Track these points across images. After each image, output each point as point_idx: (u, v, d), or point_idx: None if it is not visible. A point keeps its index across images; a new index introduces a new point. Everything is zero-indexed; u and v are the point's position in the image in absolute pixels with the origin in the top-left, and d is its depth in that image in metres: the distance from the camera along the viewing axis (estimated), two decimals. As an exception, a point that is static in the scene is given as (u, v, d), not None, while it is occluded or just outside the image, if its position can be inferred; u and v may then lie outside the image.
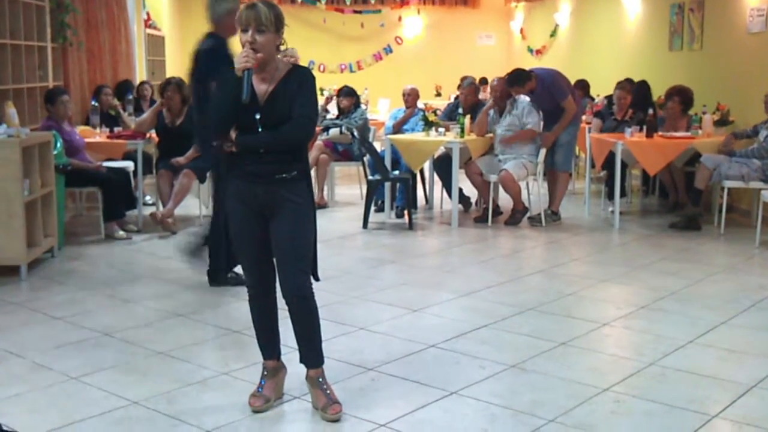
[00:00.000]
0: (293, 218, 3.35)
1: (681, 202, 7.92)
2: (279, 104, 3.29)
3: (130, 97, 8.66)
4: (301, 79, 3.32)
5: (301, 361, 3.53)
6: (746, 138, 7.32)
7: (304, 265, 3.39)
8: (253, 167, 3.32)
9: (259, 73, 3.30)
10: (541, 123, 7.62)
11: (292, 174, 3.34)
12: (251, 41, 3.21)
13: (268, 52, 3.25)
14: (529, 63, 12.09)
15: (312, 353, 3.50)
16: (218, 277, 5.41)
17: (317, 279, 3.52)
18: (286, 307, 3.42)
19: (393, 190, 7.90)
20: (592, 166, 8.46)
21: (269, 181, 3.32)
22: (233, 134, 3.32)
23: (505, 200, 7.97)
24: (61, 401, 3.58)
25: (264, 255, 3.43)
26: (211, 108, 3.37)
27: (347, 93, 8.96)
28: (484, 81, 11.40)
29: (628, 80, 9.04)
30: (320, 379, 3.48)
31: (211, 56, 4.81)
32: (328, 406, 3.40)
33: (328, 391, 3.46)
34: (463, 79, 8.85)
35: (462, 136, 7.62)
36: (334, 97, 9.36)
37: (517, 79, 7.57)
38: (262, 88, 3.31)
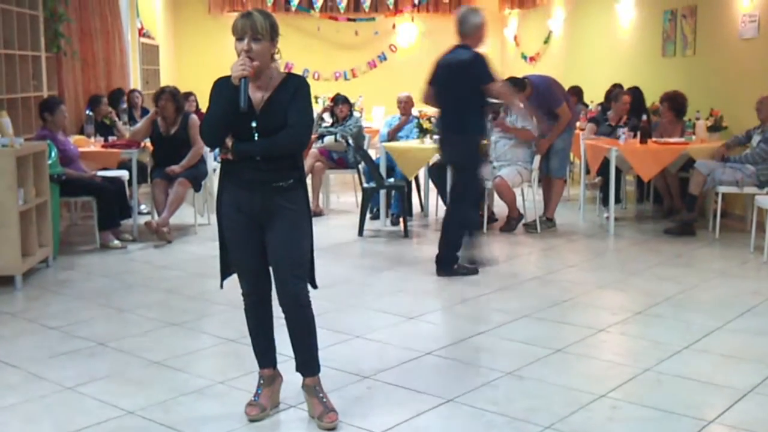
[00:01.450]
0: (289, 226, 3.35)
1: (675, 208, 7.94)
2: (275, 112, 3.30)
3: (124, 106, 8.64)
4: (296, 86, 3.34)
5: (298, 369, 3.52)
6: (739, 146, 7.34)
7: (301, 272, 3.40)
8: (250, 175, 3.32)
9: (254, 82, 3.31)
10: (535, 130, 7.64)
11: (289, 182, 3.35)
12: (247, 50, 3.23)
13: (263, 60, 3.27)
14: (523, 70, 12.08)
15: (308, 361, 3.50)
16: (447, 267, 5.84)
17: (315, 287, 3.53)
18: (282, 315, 3.42)
19: (388, 197, 7.90)
20: (587, 172, 8.48)
21: (266, 189, 3.32)
22: (229, 142, 3.33)
23: (500, 207, 7.97)
24: (55, 411, 3.57)
25: (260, 263, 3.42)
26: (207, 116, 3.38)
27: (344, 100, 8.97)
28: None
29: (617, 86, 9.06)
30: (316, 388, 3.48)
31: (483, 61, 5.63)
32: (324, 415, 3.39)
33: (325, 400, 3.45)
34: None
35: (457, 144, 7.60)
36: (331, 107, 9.36)
37: (512, 86, 7.57)
38: (257, 96, 3.32)
